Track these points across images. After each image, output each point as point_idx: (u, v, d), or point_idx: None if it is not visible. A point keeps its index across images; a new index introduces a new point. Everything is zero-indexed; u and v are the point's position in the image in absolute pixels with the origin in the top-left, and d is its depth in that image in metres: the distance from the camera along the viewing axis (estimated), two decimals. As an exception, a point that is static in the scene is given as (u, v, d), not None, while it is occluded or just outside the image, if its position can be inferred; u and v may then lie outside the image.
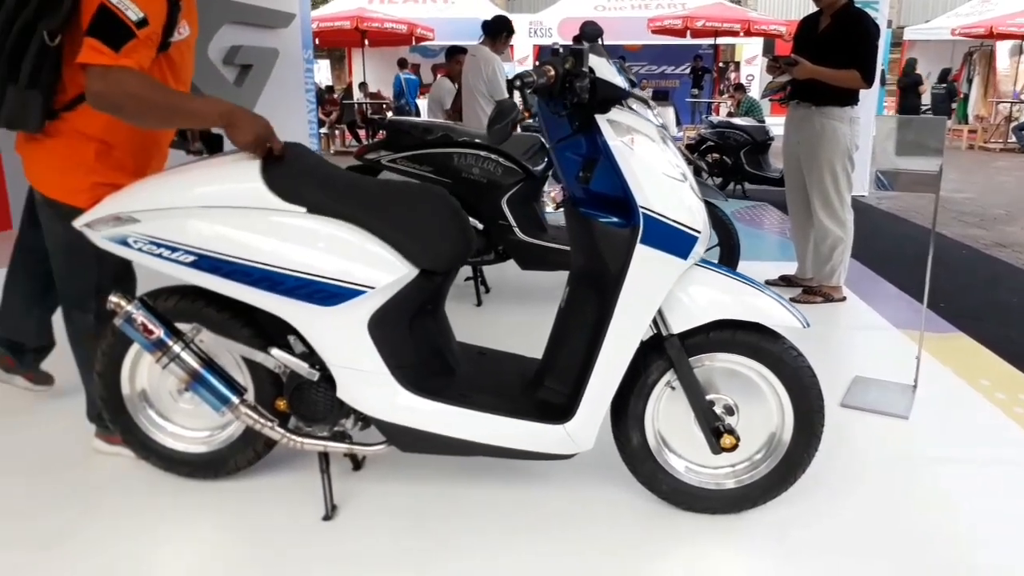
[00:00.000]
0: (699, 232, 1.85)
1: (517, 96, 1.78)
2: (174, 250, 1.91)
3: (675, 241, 1.83)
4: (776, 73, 3.99)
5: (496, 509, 2.10)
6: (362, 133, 14.15)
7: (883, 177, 2.91)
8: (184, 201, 1.92)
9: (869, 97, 7.35)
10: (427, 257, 1.95)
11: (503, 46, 5.67)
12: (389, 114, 13.95)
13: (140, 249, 1.94)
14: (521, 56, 17.22)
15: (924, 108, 15.31)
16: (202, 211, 1.91)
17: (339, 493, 2.12)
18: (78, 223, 1.99)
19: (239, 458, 2.17)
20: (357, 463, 2.29)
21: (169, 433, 2.20)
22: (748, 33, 14.75)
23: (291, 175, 1.94)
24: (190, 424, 2.20)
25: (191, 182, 1.96)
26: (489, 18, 5.68)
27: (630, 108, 1.88)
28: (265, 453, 2.18)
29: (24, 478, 2.24)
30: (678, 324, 1.92)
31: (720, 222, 3.98)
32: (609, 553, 1.92)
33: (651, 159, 1.84)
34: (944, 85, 15.93)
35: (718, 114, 13.95)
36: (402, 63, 15.11)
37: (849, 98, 3.86)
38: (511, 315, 3.87)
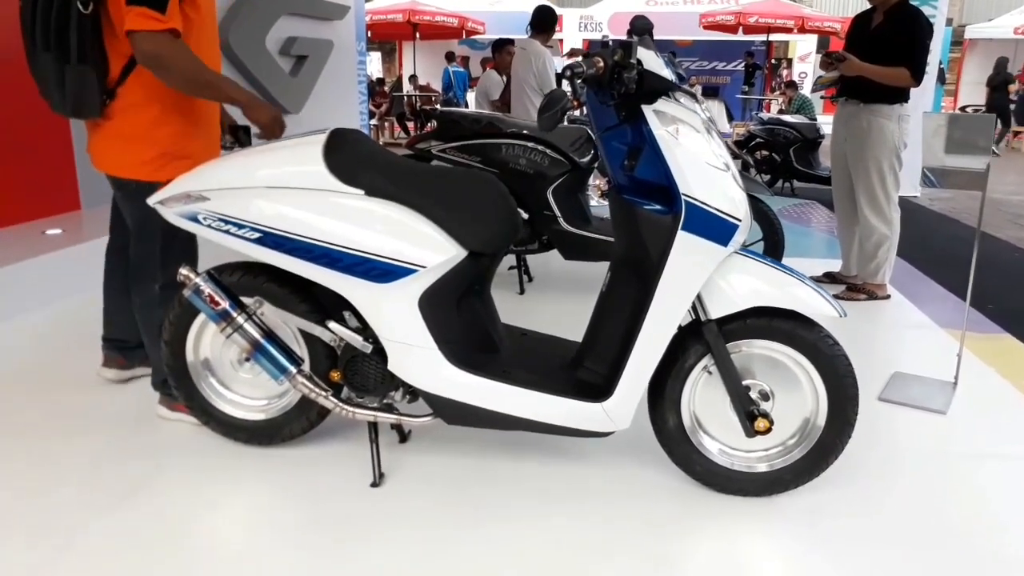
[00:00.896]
0: (740, 220, 1.90)
1: (567, 85, 1.85)
2: (241, 227, 2.04)
3: (716, 228, 1.89)
4: (828, 68, 3.99)
5: (534, 482, 2.19)
6: (411, 125, 14.33)
7: (931, 174, 2.91)
8: (251, 182, 2.05)
9: (925, 96, 7.20)
10: (476, 239, 2.05)
11: (551, 38, 5.71)
12: (438, 106, 14.11)
13: (209, 226, 2.07)
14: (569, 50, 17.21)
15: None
16: (268, 191, 2.03)
17: (386, 462, 2.24)
18: (152, 200, 2.13)
19: (294, 426, 2.29)
20: (403, 435, 2.40)
21: (229, 401, 2.34)
22: (802, 30, 14.45)
23: (351, 160, 2.05)
24: (249, 393, 2.34)
25: (257, 164, 2.09)
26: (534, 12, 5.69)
27: (676, 100, 1.94)
28: (318, 422, 2.30)
29: (95, 438, 2.40)
30: (716, 310, 1.98)
31: (764, 216, 3.99)
32: (641, 526, 1.99)
33: (695, 148, 1.90)
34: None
35: (769, 111, 13.76)
36: (450, 56, 15.25)
37: (898, 96, 3.84)
38: (553, 303, 3.95)
